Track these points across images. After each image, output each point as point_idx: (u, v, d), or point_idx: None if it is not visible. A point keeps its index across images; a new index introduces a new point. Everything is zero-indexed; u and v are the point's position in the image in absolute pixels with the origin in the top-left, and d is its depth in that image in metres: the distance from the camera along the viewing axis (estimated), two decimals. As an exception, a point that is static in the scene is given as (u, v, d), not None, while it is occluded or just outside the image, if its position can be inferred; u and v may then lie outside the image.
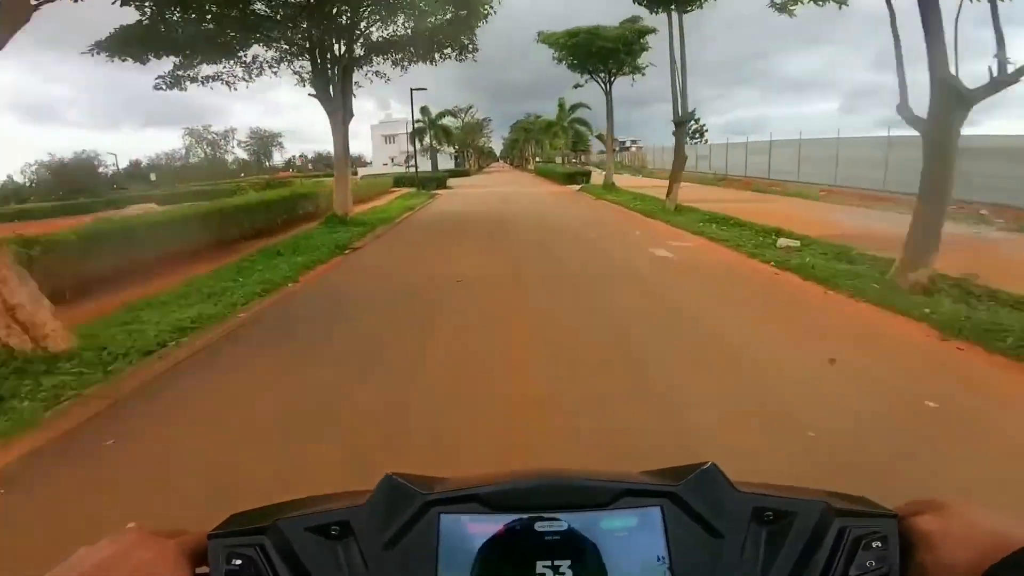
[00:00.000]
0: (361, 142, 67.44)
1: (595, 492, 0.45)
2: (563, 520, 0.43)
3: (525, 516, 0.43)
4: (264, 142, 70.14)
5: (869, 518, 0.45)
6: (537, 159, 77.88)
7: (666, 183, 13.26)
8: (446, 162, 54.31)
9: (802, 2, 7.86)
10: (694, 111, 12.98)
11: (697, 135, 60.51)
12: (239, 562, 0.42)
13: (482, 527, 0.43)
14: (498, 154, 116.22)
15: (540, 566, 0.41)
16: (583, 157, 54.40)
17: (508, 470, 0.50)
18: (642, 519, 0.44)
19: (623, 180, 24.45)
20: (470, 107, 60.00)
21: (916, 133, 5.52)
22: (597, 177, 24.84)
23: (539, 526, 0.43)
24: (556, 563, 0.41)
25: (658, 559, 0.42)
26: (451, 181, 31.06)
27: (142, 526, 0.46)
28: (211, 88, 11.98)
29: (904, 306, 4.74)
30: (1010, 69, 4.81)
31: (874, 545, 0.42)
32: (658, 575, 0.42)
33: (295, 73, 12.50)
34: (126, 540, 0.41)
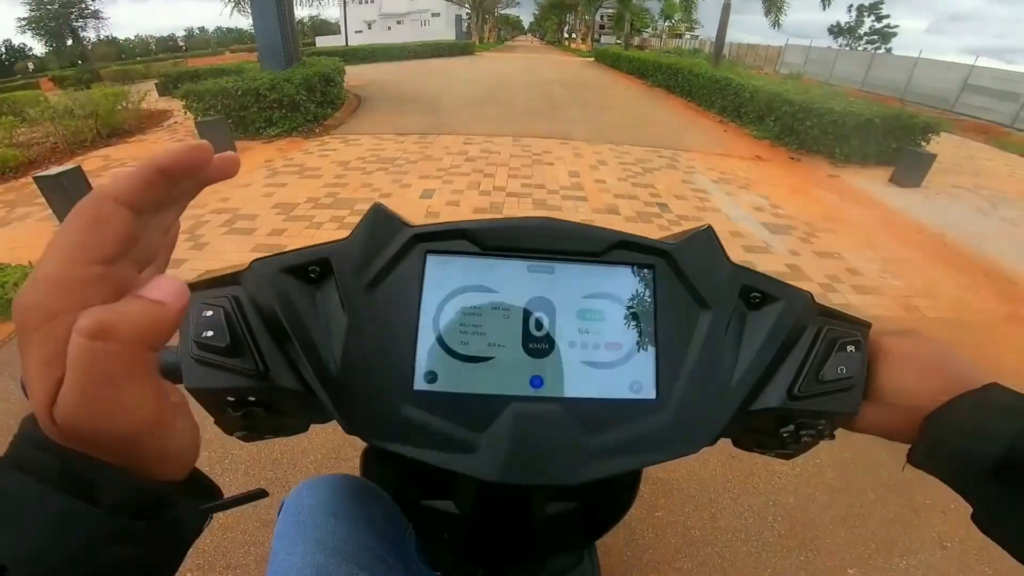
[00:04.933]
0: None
1: (588, 239, 0.42)
2: (553, 266, 0.41)
3: (516, 259, 0.41)
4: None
5: (847, 322, 0.45)
6: (573, 35, 63.22)
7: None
8: (442, 30, 39.84)
9: None
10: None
11: (874, 38, 40.80)
12: (209, 313, 0.37)
13: (471, 272, 0.41)
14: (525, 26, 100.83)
15: (524, 322, 0.40)
16: (638, 40, 41.40)
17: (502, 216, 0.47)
18: (632, 275, 0.42)
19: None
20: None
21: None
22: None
23: (530, 285, 0.41)
24: (538, 317, 0.40)
25: (642, 320, 0.41)
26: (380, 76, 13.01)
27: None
28: None
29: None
30: None
31: (848, 349, 0.41)
32: (642, 337, 0.41)
33: None
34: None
